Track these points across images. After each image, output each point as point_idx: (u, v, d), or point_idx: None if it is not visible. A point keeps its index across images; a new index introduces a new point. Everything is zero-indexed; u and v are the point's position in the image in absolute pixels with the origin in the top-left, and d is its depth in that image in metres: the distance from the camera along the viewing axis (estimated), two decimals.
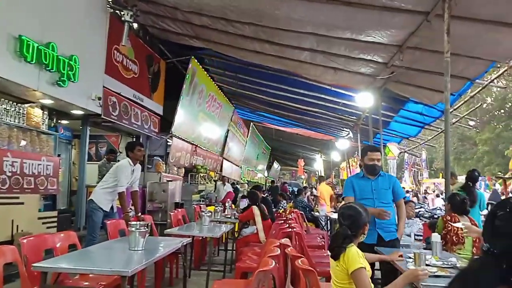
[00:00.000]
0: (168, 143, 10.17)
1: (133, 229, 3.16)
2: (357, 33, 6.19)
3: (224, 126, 14.04)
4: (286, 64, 8.36)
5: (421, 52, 6.23)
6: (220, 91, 12.47)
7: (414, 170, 25.65)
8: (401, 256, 3.04)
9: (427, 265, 2.83)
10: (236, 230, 7.24)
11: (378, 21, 5.71)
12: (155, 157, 9.81)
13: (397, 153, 13.67)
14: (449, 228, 3.94)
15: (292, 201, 12.11)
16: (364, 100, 8.70)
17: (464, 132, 30.32)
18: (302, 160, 24.63)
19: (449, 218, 4.05)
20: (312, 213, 9.68)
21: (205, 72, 10.86)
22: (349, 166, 16.91)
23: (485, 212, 6.10)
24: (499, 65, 7.82)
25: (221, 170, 14.29)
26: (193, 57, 9.69)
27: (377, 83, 8.19)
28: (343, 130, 14.06)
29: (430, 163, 29.98)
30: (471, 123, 27.94)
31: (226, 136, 14.50)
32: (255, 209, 6.02)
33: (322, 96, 10.06)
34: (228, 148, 15.02)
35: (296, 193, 12.98)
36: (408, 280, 2.43)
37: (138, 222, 3.36)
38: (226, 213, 6.91)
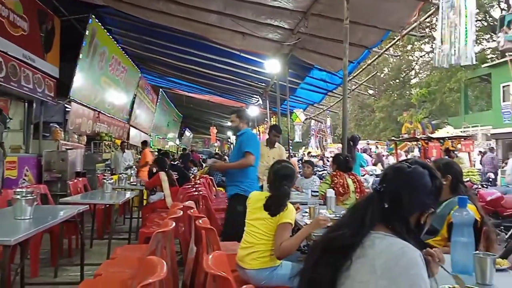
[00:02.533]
0: (67, 109, 9.40)
1: (18, 196, 2.88)
2: None
3: (130, 91, 13.35)
4: (195, 27, 8.09)
5: (324, 19, 6.42)
6: (124, 54, 11.74)
7: (320, 136, 27.07)
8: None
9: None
10: (144, 198, 7.05)
11: None
12: (52, 124, 9.02)
13: (303, 118, 14.26)
14: (335, 182, 4.43)
15: (203, 167, 12.11)
16: (272, 66, 8.83)
17: (364, 100, 32.63)
18: (215, 127, 24.60)
19: (335, 173, 4.56)
20: (223, 178, 9.80)
21: (107, 33, 10.10)
22: (259, 133, 17.30)
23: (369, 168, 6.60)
24: (395, 37, 8.45)
25: (128, 138, 13.68)
26: (93, 15, 8.92)
27: (284, 50, 8.33)
28: (253, 97, 14.23)
29: (334, 130, 31.88)
30: (370, 91, 30.12)
31: (133, 102, 13.83)
32: (162, 175, 5.89)
33: (232, 61, 9.99)
34: (135, 115, 14.37)
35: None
36: (311, 228, 2.58)
37: (24, 190, 3.06)
38: (131, 180, 6.67)
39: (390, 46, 8.54)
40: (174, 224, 2.41)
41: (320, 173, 11.47)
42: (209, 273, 1.57)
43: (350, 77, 10.19)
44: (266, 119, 12.66)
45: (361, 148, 17.05)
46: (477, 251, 1.68)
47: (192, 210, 2.95)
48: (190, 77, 12.94)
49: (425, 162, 1.42)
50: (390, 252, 1.13)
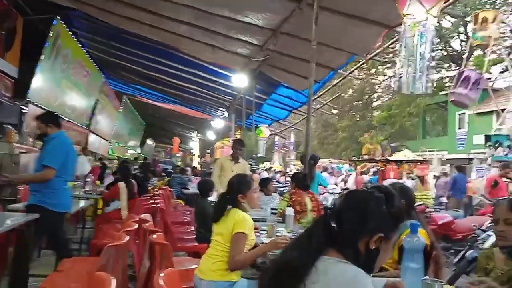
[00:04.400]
0: (23, 111, 9.00)
1: None
2: (235, 12, 6.22)
3: (92, 96, 12.98)
4: (164, 36, 8.03)
5: (293, 38, 6.54)
6: (89, 58, 11.44)
7: (283, 152, 27.29)
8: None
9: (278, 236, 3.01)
10: (100, 207, 6.81)
11: (255, 2, 5.82)
12: (6, 125, 8.59)
13: (267, 134, 14.36)
14: (293, 200, 4.47)
15: (163, 178, 11.87)
16: (240, 81, 8.88)
17: (328, 119, 33.29)
18: (178, 138, 24.30)
19: (293, 191, 4.63)
20: (183, 190, 9.65)
21: (72, 36, 9.82)
22: (223, 146, 17.24)
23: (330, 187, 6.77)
24: (359, 60, 8.73)
25: (86, 144, 13.25)
26: (58, 17, 8.65)
27: (252, 65, 8.41)
28: (219, 110, 14.21)
29: (297, 146, 32.23)
30: (334, 111, 30.79)
31: (94, 108, 13.44)
32: (121, 185, 5.69)
33: (200, 73, 9.97)
34: (96, 121, 13.96)
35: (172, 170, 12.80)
36: (268, 249, 2.56)
37: None
38: (87, 188, 6.43)
39: (355, 69, 8.85)
40: (128, 238, 2.33)
41: (281, 189, 11.53)
42: None
43: (315, 96, 10.41)
44: (230, 132, 12.65)
45: (322, 167, 17.34)
46: (426, 277, 1.72)
47: (147, 224, 2.87)
48: (156, 86, 12.78)
49: (388, 188, 1.43)
50: (343, 279, 1.14)
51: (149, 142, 30.45)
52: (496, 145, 14.72)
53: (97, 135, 14.83)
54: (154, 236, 2.44)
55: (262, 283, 1.27)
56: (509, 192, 8.13)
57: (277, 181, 11.82)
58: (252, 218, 2.88)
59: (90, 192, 6.36)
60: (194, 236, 4.29)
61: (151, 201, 4.53)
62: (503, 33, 19.71)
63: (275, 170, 19.50)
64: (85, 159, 9.59)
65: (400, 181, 10.38)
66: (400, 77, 4.39)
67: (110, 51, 10.56)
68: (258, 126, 13.32)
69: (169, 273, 1.74)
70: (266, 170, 16.20)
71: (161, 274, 1.64)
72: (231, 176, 5.21)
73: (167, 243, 2.30)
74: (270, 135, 16.62)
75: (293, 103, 10.03)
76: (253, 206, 2.96)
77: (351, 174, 14.23)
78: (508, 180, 8.96)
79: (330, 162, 21.34)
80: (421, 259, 1.75)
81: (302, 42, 6.51)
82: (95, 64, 12.08)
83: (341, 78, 9.20)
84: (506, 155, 11.51)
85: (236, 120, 12.61)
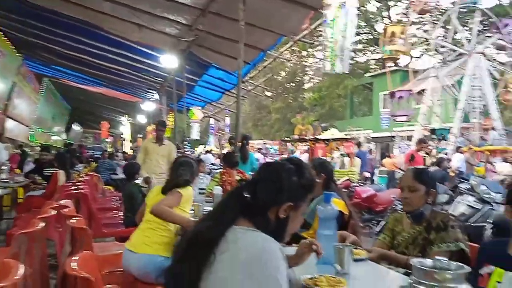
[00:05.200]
0: None
1: None
2: None
3: (8, 79, 11.95)
4: (87, 14, 7.56)
5: (221, 18, 6.49)
6: (4, 37, 10.48)
7: (219, 135, 27.26)
8: None
9: None
10: (20, 197, 6.38)
11: None
12: None
13: (200, 116, 14.22)
14: (223, 180, 4.50)
15: (90, 164, 11.33)
16: (169, 61, 8.64)
17: (262, 101, 33.72)
18: (107, 122, 23.26)
19: (224, 171, 4.66)
20: (112, 176, 9.30)
21: None
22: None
23: None
24: (290, 42, 8.86)
25: (3, 130, 12.23)
26: None
27: (182, 46, 8.22)
28: (150, 92, 13.79)
29: (233, 129, 32.26)
30: (268, 93, 31.18)
31: (11, 91, 12.40)
32: (60, 175, 5.30)
33: (128, 54, 9.54)
34: (13, 106, 12.91)
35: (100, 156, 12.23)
36: (189, 224, 2.54)
37: None
38: (2, 177, 5.97)
39: (284, 50, 8.97)
40: (43, 224, 2.21)
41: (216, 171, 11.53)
42: (72, 275, 1.47)
43: (247, 78, 10.45)
44: (162, 115, 12.35)
45: (257, 148, 17.60)
46: (338, 243, 1.83)
47: (67, 209, 2.74)
48: (81, 68, 12.05)
49: (299, 160, 1.49)
50: (251, 247, 1.17)
51: (76, 127, 28.81)
52: (440, 137, 15.99)
53: (15, 120, 13.73)
54: (73, 220, 2.34)
55: (177, 253, 1.27)
56: (425, 165, 8.84)
57: (212, 164, 11.77)
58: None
59: (7, 180, 5.92)
60: (122, 221, 4.18)
61: (74, 187, 4.31)
62: (422, 17, 21.06)
63: (209, 151, 19.44)
64: (1, 146, 8.88)
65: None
66: (326, 58, 4.57)
67: (27, 30, 9.72)
68: (190, 108, 13.14)
69: (85, 257, 1.68)
70: (207, 152, 16.04)
71: (75, 258, 1.59)
72: (156, 159, 5.14)
73: (86, 227, 2.22)
74: (204, 117, 16.46)
75: (225, 85, 10.00)
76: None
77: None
78: (425, 154, 9.75)
79: (264, 143, 21.71)
80: (334, 226, 1.86)
81: (230, 22, 6.47)
82: (11, 44, 11.10)
83: (272, 59, 9.29)
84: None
85: (168, 102, 12.31)
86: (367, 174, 10.47)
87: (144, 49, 9.05)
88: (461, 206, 5.22)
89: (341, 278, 1.58)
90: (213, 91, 11.08)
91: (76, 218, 2.37)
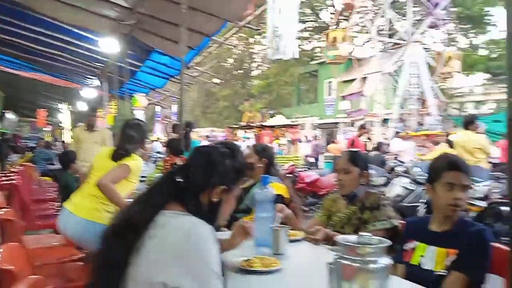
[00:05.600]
0: None
1: None
2: None
3: None
4: None
5: (163, 1, 6.30)
6: None
7: (166, 123, 26.71)
8: None
9: None
10: None
11: None
12: None
13: (145, 103, 13.84)
14: (167, 167, 4.40)
15: (26, 155, 10.70)
16: (110, 46, 8.28)
17: (210, 88, 33.40)
18: (44, 110, 21.99)
19: (167, 158, 4.63)
20: (49, 166, 8.85)
21: None
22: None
23: None
24: (237, 27, 8.79)
25: None
26: None
27: (123, 29, 7.89)
28: (90, 78, 13.16)
29: (181, 116, 31.68)
30: (216, 80, 30.93)
31: None
32: None
33: (63, 37, 8.99)
34: None
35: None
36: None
37: None
38: None
39: (230, 36, 8.89)
40: None
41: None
42: None
43: (193, 64, 10.27)
44: (103, 102, 11.87)
45: (205, 136, 17.47)
46: (274, 225, 1.86)
47: None
48: (12, 51, 11.20)
49: (233, 144, 1.50)
50: (181, 230, 1.16)
51: (10, 116, 26.97)
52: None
53: None
54: (0, 212, 2.20)
55: (105, 239, 1.24)
56: (366, 149, 9.22)
57: (158, 152, 11.53)
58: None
59: None
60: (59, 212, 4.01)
61: (5, 178, 4.06)
62: (365, 6, 21.76)
63: (156, 139, 19.04)
64: None
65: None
66: (269, 44, 4.58)
67: None
68: (133, 95, 12.72)
69: (11, 248, 1.59)
70: (154, 141, 15.65)
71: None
72: (88, 147, 4.98)
73: (14, 219, 2.10)
74: (149, 104, 16.03)
75: (170, 71, 9.76)
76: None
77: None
78: (366, 139, 10.16)
79: (212, 130, 21.59)
80: (271, 208, 1.89)
81: (172, 6, 6.27)
82: None
83: (218, 45, 9.19)
84: None
85: (110, 89, 11.82)
86: (311, 159, 10.76)
87: (81, 32, 8.58)
88: (396, 187, 5.51)
89: (276, 259, 1.62)
90: (157, 77, 10.77)
91: (4, 210, 2.23)
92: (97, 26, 7.94)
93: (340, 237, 1.17)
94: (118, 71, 9.34)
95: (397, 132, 13.23)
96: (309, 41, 31.20)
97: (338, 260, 1.12)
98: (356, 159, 2.29)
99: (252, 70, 34.55)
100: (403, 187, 5.49)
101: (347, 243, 1.12)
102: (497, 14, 23.25)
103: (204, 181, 1.30)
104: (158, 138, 21.16)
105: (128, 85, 9.61)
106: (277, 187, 2.67)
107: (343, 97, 16.65)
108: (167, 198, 1.25)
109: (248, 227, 1.58)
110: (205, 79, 21.24)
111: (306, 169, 8.44)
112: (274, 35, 4.11)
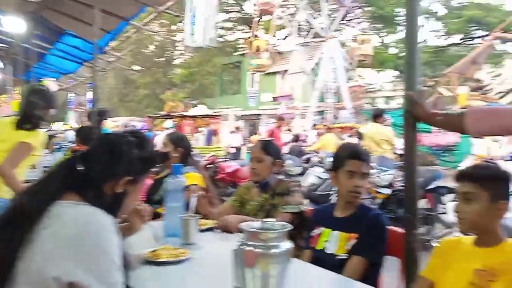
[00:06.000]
0: None
1: None
2: None
3: None
4: None
5: None
6: None
7: (80, 110, 25.18)
8: None
9: None
10: None
11: None
12: None
13: (55, 89, 12.86)
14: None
15: None
16: (14, 25, 7.53)
17: (129, 76, 32.03)
18: None
19: (76, 147, 4.36)
20: None
21: None
22: (0, 104, 14.69)
23: None
24: (156, 12, 8.47)
25: None
26: None
27: (29, 7, 7.23)
28: None
29: (97, 104, 30.00)
30: (136, 67, 29.73)
31: None
32: None
33: None
34: None
35: None
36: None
37: None
38: None
39: (148, 21, 8.54)
40: None
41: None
42: None
43: (109, 49, 9.73)
44: (7, 85, 10.82)
45: (124, 125, 16.73)
46: (184, 214, 1.84)
47: None
48: None
49: (141, 133, 1.44)
50: (79, 220, 1.09)
51: None
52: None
53: None
54: None
55: None
56: (284, 140, 9.51)
57: (70, 142, 10.80)
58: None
59: None
60: None
61: None
62: (286, 0, 22.28)
63: (69, 128, 17.87)
64: None
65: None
66: (188, 31, 4.49)
67: None
68: (42, 79, 11.76)
69: None
70: (67, 130, 14.59)
71: None
72: None
73: None
74: (60, 90, 14.94)
75: (83, 55, 9.14)
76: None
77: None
78: (286, 131, 10.48)
79: (131, 120, 20.75)
80: (181, 198, 1.86)
81: None
82: None
83: (136, 30, 8.79)
84: None
85: (17, 72, 10.79)
86: (233, 150, 10.84)
87: None
88: (311, 177, 5.76)
89: (185, 249, 1.60)
90: (69, 61, 10.02)
91: None
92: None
93: (243, 224, 1.19)
94: (24, 53, 8.54)
95: (315, 125, 13.83)
96: (233, 32, 31.24)
97: (240, 246, 1.13)
98: (269, 148, 2.35)
99: (175, 59, 33.73)
100: (317, 176, 5.75)
101: (249, 229, 1.14)
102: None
103: (107, 170, 1.23)
104: (71, 127, 19.89)
105: (36, 69, 8.86)
106: (192, 177, 2.65)
107: (274, 99, 17.08)
108: (64, 186, 1.17)
109: (142, 210, 1.53)
110: (124, 66, 20.33)
111: (227, 159, 8.49)
112: (192, 22, 4.04)
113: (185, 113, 11.10)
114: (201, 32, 4.06)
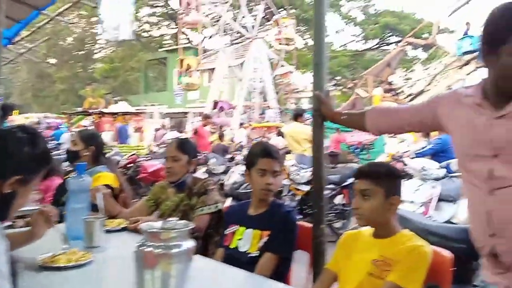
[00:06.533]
0: None
1: None
2: None
3: None
4: None
5: None
6: None
7: None
8: None
9: None
10: None
11: None
12: None
13: None
14: None
15: None
16: None
17: (44, 69, 29.75)
18: None
19: None
20: None
21: None
22: None
23: None
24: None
25: None
26: None
27: None
28: None
29: (7, 98, 27.63)
30: (52, 60, 27.71)
31: None
32: None
33: None
34: None
35: None
36: None
37: None
38: None
39: (64, 11, 7.99)
40: None
41: None
42: None
43: (19, 39, 8.95)
44: None
45: (35, 122, 15.53)
46: (88, 216, 1.74)
47: None
48: None
49: (34, 129, 1.34)
50: None
51: None
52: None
53: None
54: None
55: None
56: (211, 138, 9.47)
57: None
58: None
59: None
60: None
61: None
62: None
63: None
64: None
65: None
66: (103, 23, 4.27)
67: None
68: None
69: None
70: None
71: None
72: None
73: None
74: None
75: None
76: None
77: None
78: (211, 129, 10.42)
79: (45, 116, 19.30)
80: (86, 199, 1.76)
81: None
82: None
83: (49, 19, 8.17)
84: None
85: None
86: (155, 149, 10.55)
87: None
88: (235, 175, 5.77)
89: (86, 252, 1.51)
90: None
91: None
92: None
93: (143, 225, 1.14)
94: None
95: (242, 123, 13.95)
96: (159, 27, 30.40)
97: (140, 247, 1.09)
98: (185, 147, 2.30)
99: (96, 52, 31.97)
100: (241, 174, 5.78)
101: (148, 230, 1.10)
102: (329, 19, 26.42)
103: None
104: None
105: None
106: (105, 177, 2.53)
107: (215, 104, 16.87)
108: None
109: (48, 212, 1.43)
110: (38, 58, 18.85)
111: (150, 158, 8.23)
112: (106, 14, 3.85)
113: (104, 110, 10.55)
114: (116, 26, 3.88)
